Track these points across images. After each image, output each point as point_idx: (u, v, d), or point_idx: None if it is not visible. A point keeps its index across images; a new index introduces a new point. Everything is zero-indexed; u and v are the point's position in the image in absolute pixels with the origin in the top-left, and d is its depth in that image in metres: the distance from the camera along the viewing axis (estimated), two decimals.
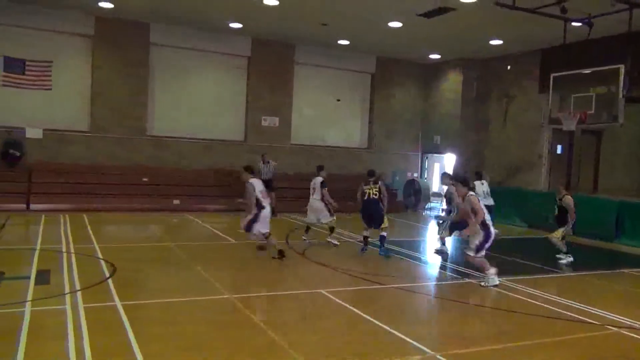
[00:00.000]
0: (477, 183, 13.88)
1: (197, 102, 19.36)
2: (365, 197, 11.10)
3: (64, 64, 17.44)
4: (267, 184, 15.77)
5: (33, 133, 16.71)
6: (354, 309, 6.98)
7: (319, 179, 11.86)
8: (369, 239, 11.24)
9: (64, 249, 10.05)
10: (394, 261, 10.67)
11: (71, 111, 17.75)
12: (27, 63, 16.78)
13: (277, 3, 14.71)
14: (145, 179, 17.45)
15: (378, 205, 11.11)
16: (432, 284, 9.51)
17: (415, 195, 21.10)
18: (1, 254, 9.55)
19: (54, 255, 9.56)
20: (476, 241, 8.51)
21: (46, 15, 16.66)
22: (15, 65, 16.65)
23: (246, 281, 8.78)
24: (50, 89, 17.05)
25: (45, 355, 5.09)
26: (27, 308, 6.39)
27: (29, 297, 6.86)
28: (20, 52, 16.66)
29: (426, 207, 20.99)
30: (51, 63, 17.00)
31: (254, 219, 9.94)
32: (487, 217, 8.55)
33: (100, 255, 9.58)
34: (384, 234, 11.03)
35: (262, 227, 10.01)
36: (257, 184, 10.18)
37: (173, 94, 19.08)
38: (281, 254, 9.93)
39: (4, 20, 16.46)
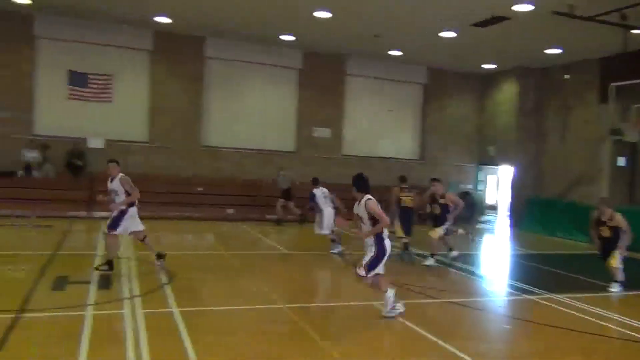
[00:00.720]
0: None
1: (250, 114, 19.69)
2: (403, 205, 11.56)
3: (124, 78, 18.15)
4: (286, 192, 16.73)
5: (95, 143, 17.41)
6: (407, 322, 6.88)
7: (324, 190, 12.39)
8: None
9: (124, 255, 10.37)
10: (446, 274, 10.48)
11: (131, 123, 18.40)
12: (89, 76, 17.57)
13: (329, 15, 14.84)
14: (200, 189, 17.86)
15: (412, 213, 11.80)
16: (486, 299, 9.27)
17: (469, 208, 20.69)
18: (65, 259, 9.96)
19: (115, 261, 9.87)
20: (367, 258, 6.89)
21: (107, 31, 17.40)
22: (79, 79, 17.47)
23: (299, 291, 8.80)
24: (111, 101, 17.77)
25: (106, 356, 5.26)
26: (90, 311, 6.62)
27: (91, 301, 7.11)
28: (84, 66, 17.47)
29: (480, 220, 20.53)
30: (112, 76, 17.74)
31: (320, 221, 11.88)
32: (386, 232, 6.97)
33: (158, 262, 9.83)
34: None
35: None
36: (317, 193, 12.11)
37: (227, 106, 19.50)
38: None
39: (69, 36, 17.30)
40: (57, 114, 17.48)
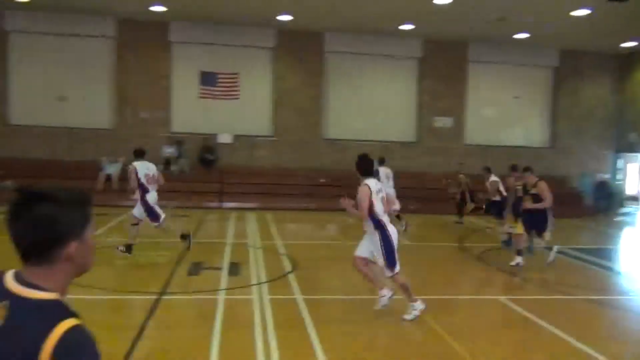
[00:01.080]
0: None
1: (369, 106, 19.75)
2: (518, 195, 10.36)
3: (249, 75, 19.05)
4: None
5: (224, 139, 18.51)
6: (539, 321, 6.52)
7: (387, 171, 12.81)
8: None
9: (251, 244, 10.94)
10: (580, 270, 9.79)
11: (257, 118, 19.28)
12: (218, 76, 18.68)
13: (449, 1, 14.41)
14: (322, 180, 18.27)
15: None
16: (625, 297, 8.53)
17: (606, 199, 19.12)
18: (201, 247, 10.71)
19: (243, 249, 10.46)
20: (380, 253, 6.30)
21: (234, 32, 18.34)
22: (209, 79, 18.65)
23: (422, 283, 8.70)
24: (238, 98, 18.76)
25: (237, 340, 5.60)
26: (222, 296, 7.08)
27: (223, 286, 7.60)
28: (213, 66, 18.61)
29: (619, 212, 18.90)
30: (238, 75, 18.71)
31: None
32: (380, 213, 6.30)
33: (282, 251, 10.26)
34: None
35: None
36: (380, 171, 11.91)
37: (347, 99, 19.72)
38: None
39: (200, 39, 18.52)
40: (190, 112, 18.81)
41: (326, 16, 16.85)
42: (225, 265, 8.96)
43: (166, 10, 16.68)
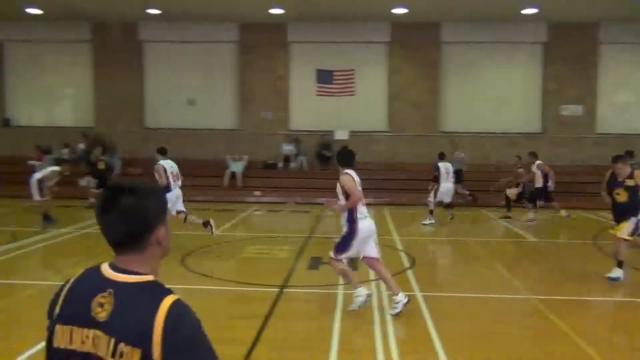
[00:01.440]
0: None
1: (489, 96, 18.98)
2: None
3: (364, 71, 19.10)
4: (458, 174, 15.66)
5: (340, 135, 18.74)
6: None
7: (447, 165, 13.30)
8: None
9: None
10: None
11: (372, 113, 19.30)
12: (334, 73, 18.93)
13: None
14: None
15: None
16: None
17: None
18: (319, 242, 10.96)
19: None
20: (339, 237, 6.47)
21: (349, 29, 18.50)
22: (325, 76, 18.97)
23: (547, 282, 8.23)
24: (354, 94, 18.89)
25: (356, 333, 5.68)
26: (341, 290, 7.19)
27: (342, 281, 7.70)
28: (329, 64, 18.90)
29: None
30: (354, 71, 18.84)
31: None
32: (361, 210, 6.31)
33: (399, 247, 10.19)
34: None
35: None
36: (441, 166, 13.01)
37: (465, 89, 19.12)
38: None
39: (316, 38, 18.90)
40: (307, 110, 19.28)
41: (443, 6, 16.43)
42: (344, 260, 9.05)
43: (284, 12, 17.22)
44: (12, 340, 5.52)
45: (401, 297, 6.12)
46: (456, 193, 16.19)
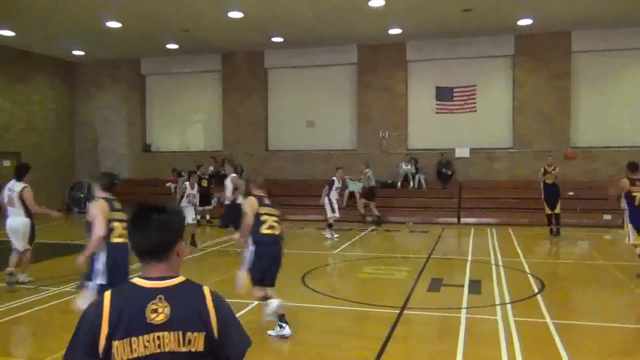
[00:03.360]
0: None
1: (626, 106, 17.43)
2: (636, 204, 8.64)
3: (486, 86, 18.45)
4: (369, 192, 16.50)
5: (461, 153, 18.22)
6: None
7: None
8: None
9: (492, 261, 10.47)
10: None
11: (494, 129, 18.54)
12: (454, 90, 18.51)
13: None
14: (571, 193, 16.61)
15: None
16: None
17: None
18: (439, 263, 10.65)
19: (484, 266, 10.07)
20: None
21: (470, 45, 18.01)
22: (445, 94, 18.62)
23: None
24: (476, 111, 18.30)
25: (481, 358, 5.38)
26: (463, 314, 6.89)
27: (464, 305, 7.39)
28: (449, 80, 18.52)
29: None
30: (475, 87, 18.28)
31: None
32: (263, 227, 6.05)
33: (527, 270, 9.59)
34: None
35: None
36: None
37: (598, 101, 17.74)
38: None
39: (435, 55, 18.62)
40: (426, 128, 18.98)
41: (571, 14, 15.45)
42: (466, 282, 8.72)
43: (402, 32, 17.20)
44: None
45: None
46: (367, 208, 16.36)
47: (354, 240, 13.47)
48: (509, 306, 7.21)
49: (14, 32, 16.75)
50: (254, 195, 6.31)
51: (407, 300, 7.64)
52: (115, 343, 1.87)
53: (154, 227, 1.98)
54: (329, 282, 8.74)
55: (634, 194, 8.82)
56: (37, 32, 16.92)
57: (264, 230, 6.06)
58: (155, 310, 1.90)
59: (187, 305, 1.94)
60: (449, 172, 18.24)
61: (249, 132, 20.36)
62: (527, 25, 16.51)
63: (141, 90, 21.75)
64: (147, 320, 1.89)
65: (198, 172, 14.94)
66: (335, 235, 13.67)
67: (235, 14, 14.88)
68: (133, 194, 19.89)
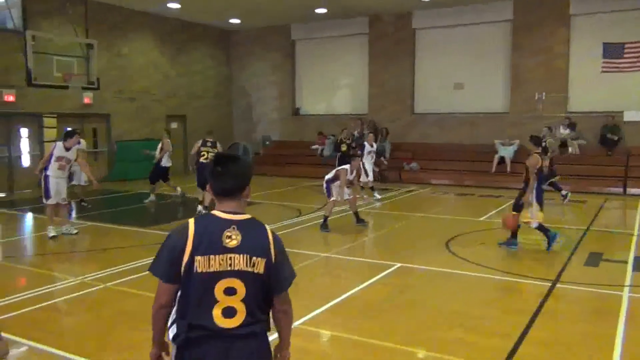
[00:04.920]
0: None
1: None
2: None
3: None
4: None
5: (631, 116, 16.34)
6: None
7: None
8: None
9: None
10: None
11: None
12: (625, 45, 16.49)
13: None
14: None
15: None
16: None
17: None
18: (599, 236, 9.78)
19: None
20: None
21: None
22: (614, 50, 16.65)
23: None
24: None
25: None
26: (625, 293, 6.29)
27: (627, 282, 6.73)
28: (619, 36, 16.52)
29: None
30: None
31: None
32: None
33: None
34: None
35: None
36: None
37: None
38: None
39: (604, 8, 16.69)
40: (589, 89, 17.25)
41: None
42: (630, 259, 7.92)
43: None
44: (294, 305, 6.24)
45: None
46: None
47: (502, 207, 12.82)
48: None
49: (179, 4, 18.12)
50: None
51: (560, 273, 7.15)
52: (198, 258, 2.36)
53: (230, 174, 2.48)
54: (475, 250, 8.44)
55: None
56: (199, 3, 18.13)
57: None
58: (229, 237, 2.39)
59: (254, 236, 2.44)
60: (615, 138, 16.48)
61: (394, 95, 20.13)
62: None
63: (291, 56, 22.44)
64: (222, 244, 2.38)
65: (340, 136, 15.29)
66: (378, 196, 13.79)
67: None
68: (282, 155, 20.96)
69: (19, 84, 14.79)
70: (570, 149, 16.79)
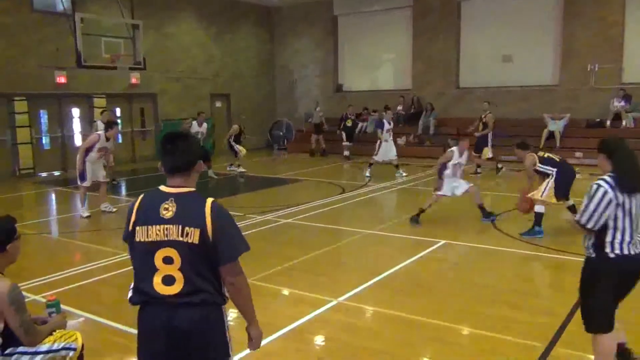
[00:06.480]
0: None
1: None
2: None
3: None
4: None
5: None
6: None
7: None
8: None
9: None
10: None
11: None
12: None
13: None
14: None
15: None
16: None
17: None
18: None
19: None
20: None
21: None
22: None
23: None
24: None
25: None
26: None
27: None
28: None
29: None
30: None
31: None
32: None
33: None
34: None
35: None
36: None
37: None
38: None
39: None
40: None
41: None
42: None
43: None
44: (336, 280, 6.31)
45: None
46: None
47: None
48: None
49: None
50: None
51: None
52: (137, 228, 2.59)
53: (182, 149, 2.63)
54: (521, 227, 8.26)
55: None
56: None
57: None
58: (166, 208, 2.56)
59: (188, 207, 2.56)
60: None
61: (439, 69, 19.71)
62: None
63: (333, 32, 22.23)
64: (159, 215, 2.55)
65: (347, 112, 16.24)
66: (404, 174, 13.57)
67: None
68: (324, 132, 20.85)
69: (69, 66, 15.22)
70: (624, 122, 16.11)
